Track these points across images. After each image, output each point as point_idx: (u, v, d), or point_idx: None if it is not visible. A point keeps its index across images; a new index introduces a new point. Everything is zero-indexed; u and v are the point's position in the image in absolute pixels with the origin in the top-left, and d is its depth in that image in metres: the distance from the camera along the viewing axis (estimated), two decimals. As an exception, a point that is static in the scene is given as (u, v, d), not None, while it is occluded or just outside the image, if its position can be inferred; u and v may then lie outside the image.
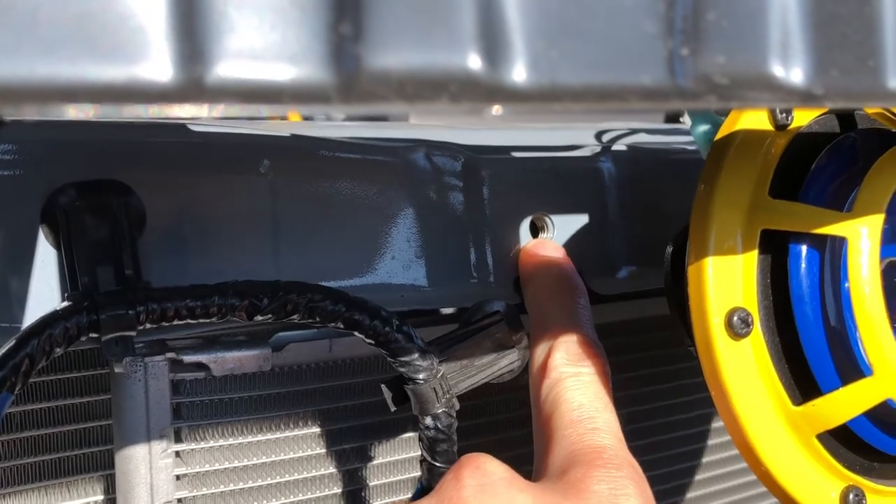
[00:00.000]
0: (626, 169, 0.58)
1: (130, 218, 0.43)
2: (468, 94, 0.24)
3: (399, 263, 0.51)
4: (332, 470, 0.54)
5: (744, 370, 0.39)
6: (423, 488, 0.45)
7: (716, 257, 0.39)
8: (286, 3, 0.22)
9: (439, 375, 0.43)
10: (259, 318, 0.42)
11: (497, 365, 0.46)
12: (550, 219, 0.55)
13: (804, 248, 0.40)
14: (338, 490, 0.54)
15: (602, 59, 0.26)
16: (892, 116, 0.44)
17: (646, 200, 0.58)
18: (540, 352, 0.45)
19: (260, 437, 0.51)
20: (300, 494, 0.52)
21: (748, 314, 0.39)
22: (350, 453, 0.54)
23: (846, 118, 0.45)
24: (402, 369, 0.43)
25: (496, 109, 0.24)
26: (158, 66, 0.21)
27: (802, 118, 0.43)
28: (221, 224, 0.47)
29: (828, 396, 0.39)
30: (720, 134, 0.42)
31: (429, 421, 0.43)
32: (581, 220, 0.56)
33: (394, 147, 0.51)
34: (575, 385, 0.42)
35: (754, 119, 0.42)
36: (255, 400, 0.51)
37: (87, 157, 0.44)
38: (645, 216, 0.58)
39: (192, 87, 0.21)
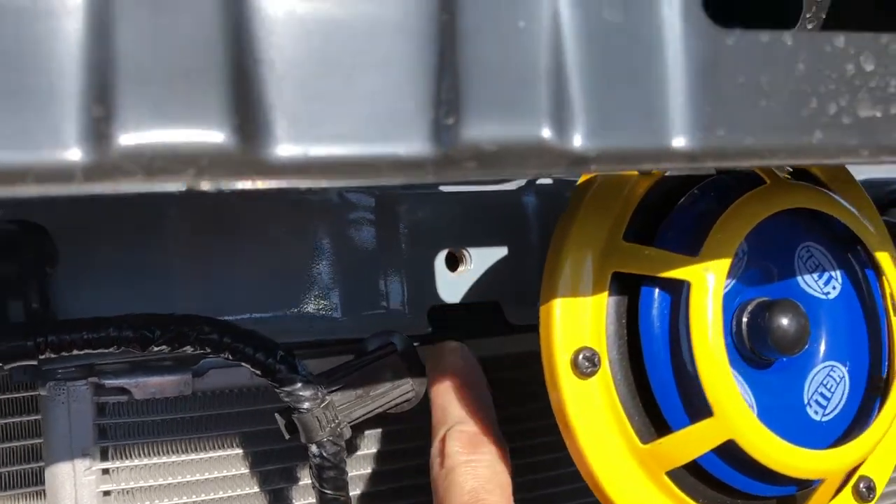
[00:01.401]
0: (549, 202, 0.60)
1: (41, 255, 0.47)
2: (218, 168, 0.27)
3: (310, 295, 0.54)
4: (257, 489, 0.56)
5: (590, 409, 0.40)
6: (317, 514, 0.48)
7: (564, 298, 0.40)
8: (33, 88, 0.25)
9: (324, 405, 0.46)
10: (155, 348, 0.45)
11: (390, 395, 0.49)
12: (468, 251, 0.57)
13: (656, 291, 0.41)
14: (260, 510, 0.57)
15: (358, 133, 0.28)
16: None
17: (569, 233, 0.59)
18: (437, 441, 0.48)
19: (184, 458, 0.54)
20: (223, 512, 0.55)
21: (595, 354, 0.40)
22: (273, 474, 0.57)
23: (724, 160, 0.46)
24: (286, 399, 0.46)
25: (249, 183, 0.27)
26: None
27: (673, 161, 0.44)
28: (137, 260, 0.50)
29: (672, 436, 0.40)
30: (583, 178, 0.43)
31: (314, 449, 0.46)
32: (500, 252, 0.58)
33: (309, 184, 0.54)
34: (467, 471, 0.44)
35: (620, 163, 0.43)
36: (178, 422, 0.54)
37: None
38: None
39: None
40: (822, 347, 0.45)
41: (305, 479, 0.58)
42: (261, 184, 0.28)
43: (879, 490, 0.47)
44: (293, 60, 0.27)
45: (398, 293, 0.55)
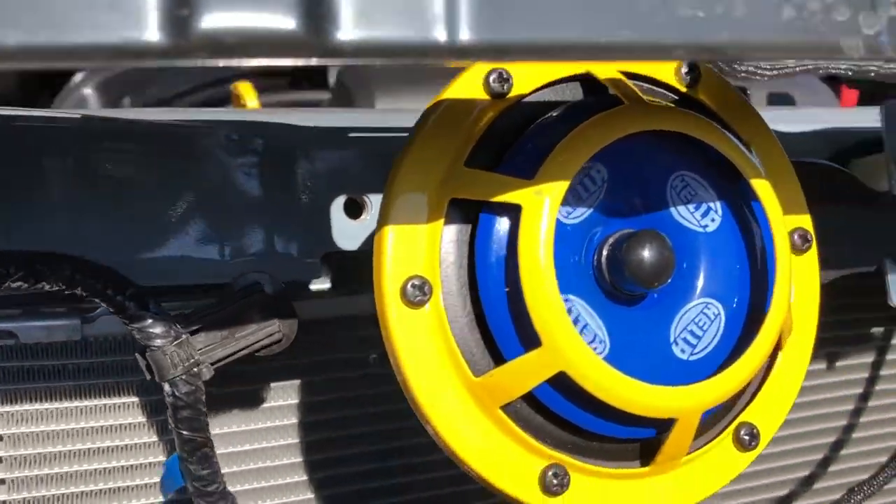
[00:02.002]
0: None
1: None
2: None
3: (199, 239, 0.52)
4: (155, 438, 0.56)
5: (420, 340, 0.38)
6: (178, 457, 0.47)
7: (397, 226, 0.39)
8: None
9: (177, 342, 0.45)
10: (12, 285, 0.45)
11: (256, 336, 0.47)
12: (369, 198, 0.55)
13: (495, 218, 0.39)
14: (154, 459, 0.56)
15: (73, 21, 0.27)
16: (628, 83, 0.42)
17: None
18: None
19: (76, 404, 0.54)
20: (114, 461, 0.55)
21: (426, 283, 0.38)
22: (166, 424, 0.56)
23: (592, 85, 0.43)
24: (137, 336, 0.45)
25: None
26: None
27: (532, 86, 0.42)
28: (22, 203, 0.50)
29: (503, 367, 0.38)
30: (433, 101, 0.41)
31: (167, 388, 0.45)
32: (404, 199, 0.56)
33: (197, 127, 0.53)
34: None
35: (469, 87, 0.41)
36: (69, 368, 0.54)
37: None
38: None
39: None
40: (699, 283, 0.43)
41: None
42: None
43: (765, 438, 0.44)
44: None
45: (291, 238, 0.54)
